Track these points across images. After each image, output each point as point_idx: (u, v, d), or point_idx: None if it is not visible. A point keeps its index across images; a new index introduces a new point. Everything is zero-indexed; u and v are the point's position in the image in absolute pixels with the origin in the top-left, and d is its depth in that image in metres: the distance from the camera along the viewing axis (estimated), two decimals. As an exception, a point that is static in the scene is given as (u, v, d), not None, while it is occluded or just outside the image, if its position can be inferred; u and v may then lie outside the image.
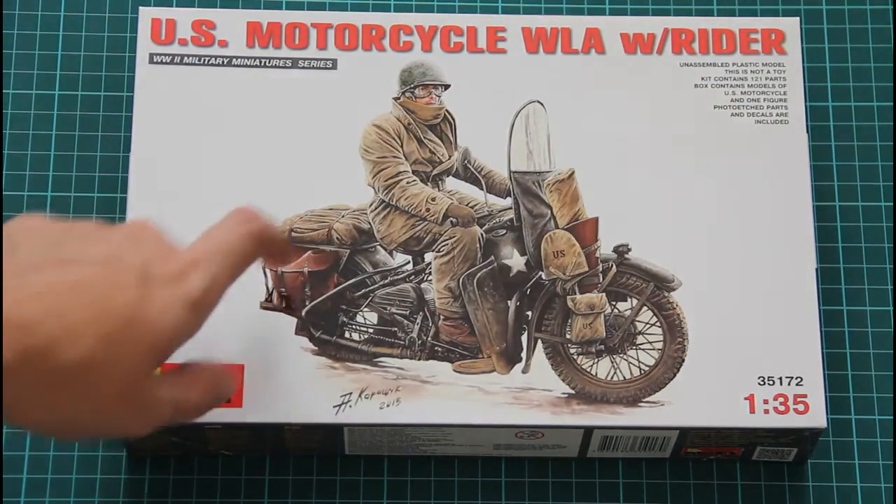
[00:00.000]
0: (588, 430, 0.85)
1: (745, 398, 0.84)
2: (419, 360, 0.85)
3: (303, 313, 0.86)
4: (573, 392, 0.85)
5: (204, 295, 0.72)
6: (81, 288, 0.68)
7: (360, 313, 0.86)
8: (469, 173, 0.89)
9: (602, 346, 0.86)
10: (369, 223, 0.88)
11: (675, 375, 0.85)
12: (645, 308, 0.86)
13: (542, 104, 0.90)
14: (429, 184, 0.89)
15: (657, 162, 0.89)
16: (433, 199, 0.88)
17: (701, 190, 0.89)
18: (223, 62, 0.90)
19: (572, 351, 0.86)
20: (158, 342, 0.70)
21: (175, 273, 0.72)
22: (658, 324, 0.86)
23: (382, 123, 0.89)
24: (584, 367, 0.85)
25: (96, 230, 0.73)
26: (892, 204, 0.93)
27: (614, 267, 0.87)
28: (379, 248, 0.87)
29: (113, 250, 0.71)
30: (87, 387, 0.68)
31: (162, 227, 0.75)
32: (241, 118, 0.89)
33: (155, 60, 0.90)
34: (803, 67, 0.92)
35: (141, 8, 0.91)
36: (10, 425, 0.69)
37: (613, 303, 0.87)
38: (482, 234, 0.87)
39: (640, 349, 0.86)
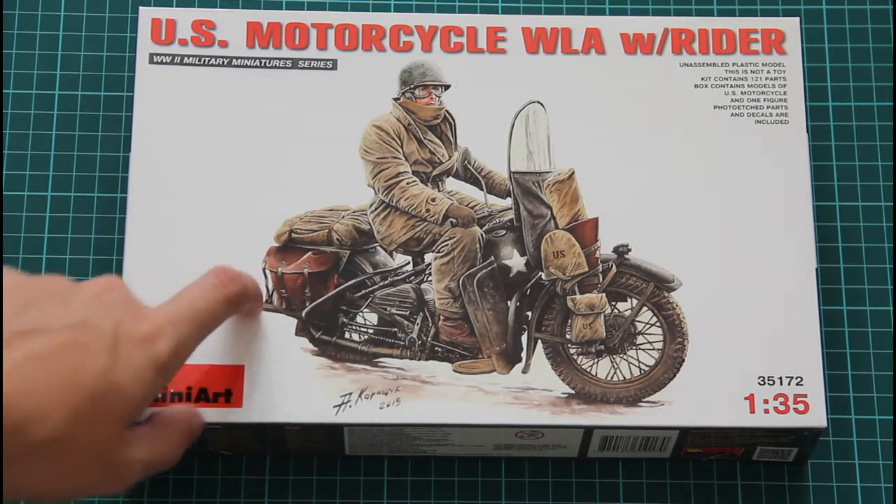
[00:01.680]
0: (588, 430, 0.85)
1: (745, 398, 0.84)
2: (419, 360, 0.85)
3: (303, 314, 0.86)
4: (573, 392, 0.85)
5: (171, 358, 0.73)
6: (50, 360, 0.69)
7: (360, 314, 0.86)
8: (469, 174, 0.89)
9: (602, 347, 0.86)
10: (369, 224, 0.88)
11: (675, 375, 0.85)
12: (645, 308, 0.86)
13: (542, 104, 0.90)
14: (429, 184, 0.89)
15: (657, 162, 0.89)
16: (433, 200, 0.88)
17: (701, 190, 0.88)
18: (223, 62, 0.90)
19: (572, 351, 0.86)
20: (128, 407, 0.71)
21: (144, 335, 0.73)
22: (658, 324, 0.86)
23: (382, 124, 0.89)
24: (584, 367, 0.85)
25: (65, 290, 0.73)
26: (892, 204, 0.93)
27: (614, 267, 0.87)
28: (379, 248, 0.87)
29: (82, 315, 0.71)
30: (61, 459, 0.69)
31: (128, 286, 0.75)
32: (241, 118, 0.89)
33: (155, 60, 0.90)
34: (803, 67, 0.91)
35: (141, 8, 0.91)
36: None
37: (613, 303, 0.87)
38: (482, 235, 0.87)
39: (640, 349, 0.86)
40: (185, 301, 0.76)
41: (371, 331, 0.86)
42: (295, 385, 0.84)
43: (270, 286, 0.86)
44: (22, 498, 0.70)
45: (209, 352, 0.83)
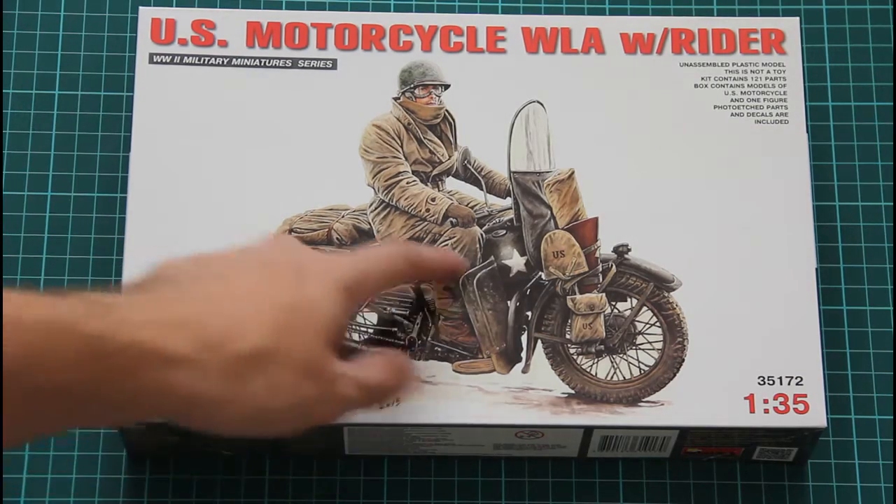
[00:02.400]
0: (588, 430, 0.85)
1: (745, 398, 0.84)
2: (419, 360, 0.85)
3: (303, 313, 0.86)
4: (573, 392, 0.85)
5: (356, 283, 0.75)
6: (242, 292, 0.71)
7: (360, 313, 0.86)
8: (469, 173, 0.89)
9: (602, 346, 0.86)
10: (369, 223, 0.88)
11: (674, 375, 0.85)
12: (645, 308, 0.86)
13: (542, 104, 0.90)
14: (429, 184, 0.89)
15: (657, 162, 0.89)
16: (433, 200, 0.88)
17: (701, 190, 0.88)
18: (223, 62, 0.90)
19: (572, 351, 0.86)
20: (323, 321, 0.72)
21: (328, 266, 0.75)
22: (658, 324, 0.86)
23: (382, 123, 0.89)
24: (583, 367, 0.85)
25: (244, 249, 0.76)
26: (892, 204, 0.93)
27: (614, 267, 0.87)
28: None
29: (265, 259, 0.74)
30: (267, 374, 0.69)
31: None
32: (241, 118, 0.89)
33: (155, 60, 0.90)
34: (803, 67, 0.91)
35: (141, 8, 0.91)
36: (197, 430, 0.71)
37: (613, 303, 0.87)
38: (482, 235, 0.87)
39: (639, 349, 0.86)
40: (365, 250, 0.81)
41: (371, 330, 0.86)
42: (295, 385, 0.84)
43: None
44: (239, 431, 0.71)
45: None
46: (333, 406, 0.74)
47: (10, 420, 0.63)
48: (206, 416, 0.69)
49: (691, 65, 0.91)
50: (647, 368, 0.85)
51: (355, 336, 0.85)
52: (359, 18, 0.92)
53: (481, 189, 0.89)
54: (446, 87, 0.90)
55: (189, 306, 0.69)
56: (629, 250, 0.87)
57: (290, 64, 0.90)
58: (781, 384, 0.85)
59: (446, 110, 0.90)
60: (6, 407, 0.62)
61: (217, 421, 0.70)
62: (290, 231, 0.87)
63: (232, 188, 0.88)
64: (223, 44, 0.91)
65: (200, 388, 0.68)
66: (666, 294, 0.86)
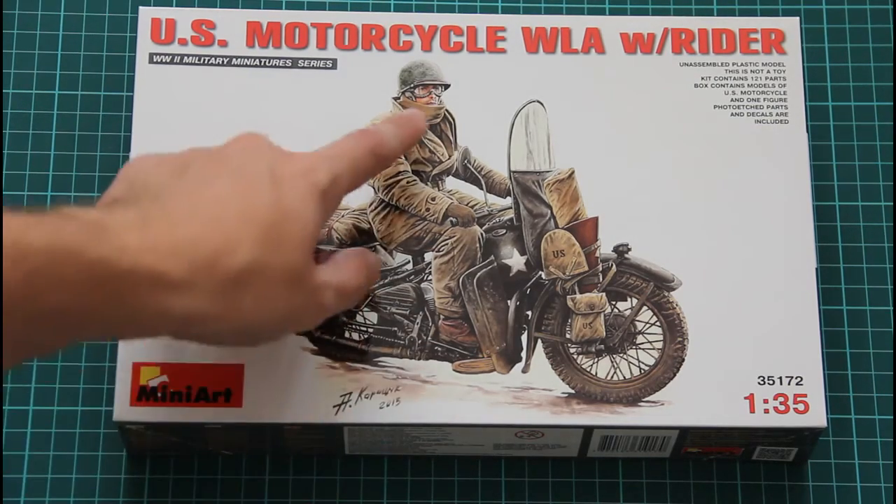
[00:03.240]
0: (588, 430, 0.85)
1: (745, 398, 0.84)
2: (419, 359, 0.85)
3: (303, 313, 0.86)
4: (573, 392, 0.85)
5: (330, 186, 0.76)
6: (222, 200, 0.72)
7: (360, 313, 0.86)
8: (469, 173, 0.89)
9: (602, 346, 0.86)
10: (369, 223, 0.88)
11: (675, 375, 0.85)
12: (645, 308, 0.86)
13: (542, 104, 0.90)
14: (429, 183, 0.89)
15: (657, 162, 0.89)
16: (433, 199, 0.88)
17: (701, 190, 0.88)
18: (223, 62, 0.90)
19: (572, 350, 0.86)
20: (305, 230, 0.74)
21: (300, 169, 0.76)
22: (658, 323, 0.86)
23: (382, 123, 0.89)
24: (583, 366, 0.85)
25: (211, 153, 0.76)
26: (892, 204, 0.93)
27: (614, 267, 0.87)
28: (379, 247, 0.87)
29: (237, 163, 0.75)
30: (256, 289, 0.72)
31: (269, 138, 0.78)
32: (242, 118, 0.89)
33: (155, 60, 0.90)
34: (803, 67, 0.91)
35: (141, 8, 0.91)
36: (192, 340, 0.74)
37: (613, 302, 0.87)
38: (482, 234, 0.87)
39: (639, 349, 0.86)
40: (332, 147, 0.79)
41: (371, 330, 0.86)
42: (295, 385, 0.84)
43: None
44: (232, 342, 0.74)
45: (209, 351, 0.83)
46: (316, 313, 0.77)
47: (10, 343, 0.64)
48: (200, 332, 0.72)
49: (691, 65, 0.91)
50: (647, 368, 0.85)
51: (355, 335, 0.85)
52: (359, 18, 0.92)
53: (481, 188, 0.89)
54: (446, 86, 0.90)
55: (179, 227, 0.70)
56: (629, 250, 0.87)
57: (290, 64, 0.90)
58: (781, 384, 0.85)
59: (446, 110, 0.90)
60: (6, 331, 0.64)
61: (210, 336, 0.73)
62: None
63: (232, 188, 0.88)
64: (223, 44, 0.91)
65: (195, 307, 0.70)
66: (666, 294, 0.86)
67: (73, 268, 0.65)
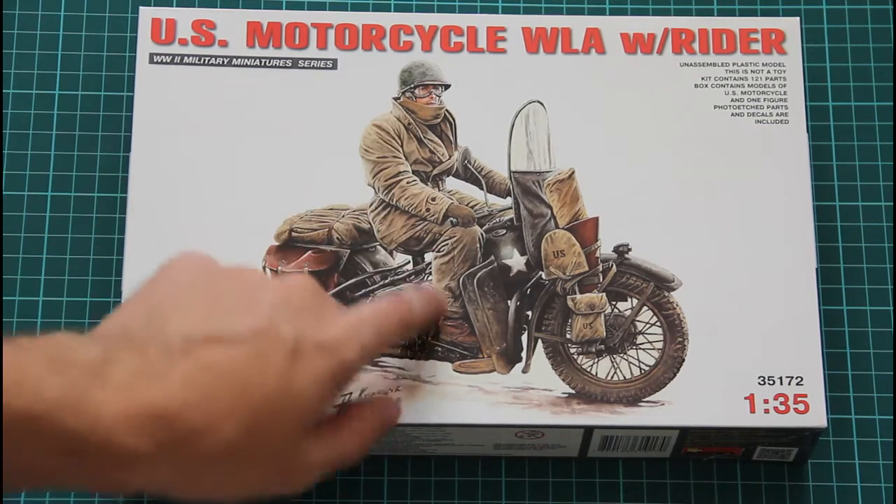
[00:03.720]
0: (588, 430, 0.85)
1: (746, 398, 0.84)
2: (419, 359, 0.85)
3: (303, 313, 0.86)
4: (573, 392, 0.85)
5: (351, 368, 0.72)
6: (227, 371, 0.68)
7: (361, 313, 0.86)
8: (469, 173, 0.89)
9: (602, 346, 0.86)
10: (369, 223, 0.88)
11: (675, 375, 0.85)
12: (645, 308, 0.86)
13: (542, 104, 0.90)
14: (429, 184, 0.89)
15: (657, 162, 0.89)
16: (433, 199, 0.88)
17: (701, 190, 0.88)
18: (223, 62, 0.90)
19: (572, 351, 0.86)
20: (305, 414, 0.70)
21: (328, 343, 0.71)
22: (658, 324, 0.86)
23: (382, 123, 0.89)
24: (584, 366, 0.85)
25: (254, 288, 0.72)
26: (892, 204, 0.93)
27: (614, 267, 0.87)
28: (379, 248, 0.87)
29: (265, 321, 0.70)
30: (237, 467, 0.68)
31: (318, 286, 0.74)
32: (242, 118, 0.89)
33: (155, 60, 0.90)
34: (803, 67, 0.91)
35: (141, 8, 0.91)
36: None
37: (613, 303, 0.87)
38: (482, 234, 0.87)
39: (640, 349, 0.86)
40: (366, 313, 0.75)
41: (371, 330, 0.86)
42: (295, 385, 0.84)
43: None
44: (199, 500, 0.70)
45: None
46: (293, 489, 0.73)
47: None
48: (160, 494, 0.69)
49: (691, 65, 0.91)
50: (647, 368, 0.85)
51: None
52: (359, 18, 0.92)
53: (481, 189, 0.89)
54: (446, 87, 0.90)
55: (165, 394, 0.66)
56: (629, 250, 0.87)
57: (290, 64, 0.90)
58: (781, 384, 0.85)
59: (446, 110, 0.90)
60: None
61: (172, 497, 0.69)
62: (290, 231, 0.87)
63: (232, 188, 0.88)
64: (223, 44, 0.91)
65: (159, 480, 0.67)
66: (666, 294, 0.86)
67: (48, 436, 0.63)
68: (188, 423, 0.66)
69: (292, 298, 0.72)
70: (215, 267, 0.73)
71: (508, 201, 0.88)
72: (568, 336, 0.86)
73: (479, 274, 0.87)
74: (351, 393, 0.83)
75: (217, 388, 0.67)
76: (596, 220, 0.88)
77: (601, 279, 0.87)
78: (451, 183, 0.89)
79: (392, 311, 0.76)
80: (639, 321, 0.86)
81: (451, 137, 0.89)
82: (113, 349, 0.67)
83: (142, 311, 0.71)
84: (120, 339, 0.69)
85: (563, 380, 0.85)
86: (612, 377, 0.85)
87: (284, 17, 0.91)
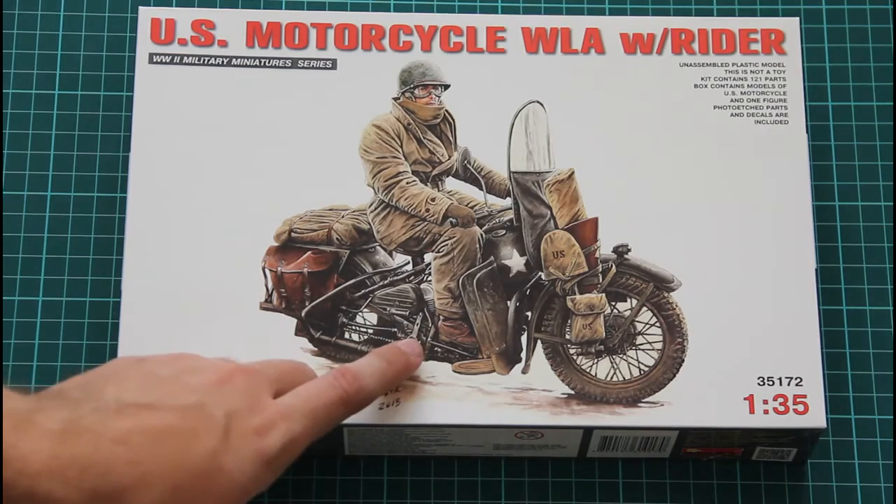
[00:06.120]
0: (588, 431, 0.85)
1: (745, 398, 0.84)
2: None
3: (302, 314, 0.86)
4: (573, 392, 0.85)
5: (281, 453, 0.73)
6: (161, 436, 0.69)
7: (360, 314, 0.86)
8: (469, 173, 0.89)
9: (602, 347, 0.86)
10: (369, 223, 0.88)
11: (674, 375, 0.85)
12: (645, 308, 0.86)
13: (542, 104, 0.90)
14: (428, 184, 0.89)
15: (657, 162, 0.89)
16: (433, 200, 0.88)
17: (701, 190, 0.88)
18: (223, 62, 0.90)
19: (572, 351, 0.86)
20: (231, 493, 0.71)
21: (257, 428, 0.72)
22: (658, 324, 0.86)
23: (382, 123, 0.89)
24: (583, 367, 0.85)
25: (188, 371, 0.73)
26: (892, 204, 0.93)
27: (614, 267, 0.87)
28: (379, 248, 0.87)
29: (199, 399, 0.71)
30: None
31: (255, 376, 0.75)
32: (241, 118, 0.89)
33: (155, 60, 0.90)
34: (803, 67, 0.91)
35: (141, 8, 0.91)
36: None
37: (613, 303, 0.87)
38: (482, 235, 0.87)
39: (639, 349, 0.86)
40: (301, 397, 0.75)
41: (371, 331, 0.86)
42: (295, 385, 0.84)
43: (270, 285, 0.86)
44: None
45: (209, 352, 0.83)
46: None
47: None
48: None
49: (691, 65, 0.91)
50: (646, 369, 0.85)
51: (355, 336, 0.85)
52: (359, 18, 0.92)
53: (481, 189, 0.89)
54: (446, 87, 0.90)
55: (99, 449, 0.67)
56: (629, 250, 0.87)
57: (290, 64, 0.90)
58: (781, 385, 0.85)
59: (446, 110, 0.90)
60: None
61: None
62: (290, 232, 0.87)
63: (232, 188, 0.88)
64: (223, 44, 0.91)
65: None
66: (666, 294, 0.86)
67: None
68: (119, 478, 0.67)
69: (225, 384, 0.73)
70: (152, 356, 0.74)
71: (508, 202, 0.88)
72: (567, 337, 0.86)
73: (478, 274, 0.87)
74: None
75: (149, 450, 0.68)
76: (595, 220, 0.88)
77: (601, 280, 0.87)
78: (451, 183, 0.89)
79: (332, 394, 0.76)
80: (638, 322, 0.86)
81: (451, 138, 0.89)
82: (44, 401, 0.68)
83: (79, 382, 0.72)
84: (54, 397, 0.70)
85: (563, 380, 0.85)
86: (612, 378, 0.85)
87: (284, 17, 0.91)
